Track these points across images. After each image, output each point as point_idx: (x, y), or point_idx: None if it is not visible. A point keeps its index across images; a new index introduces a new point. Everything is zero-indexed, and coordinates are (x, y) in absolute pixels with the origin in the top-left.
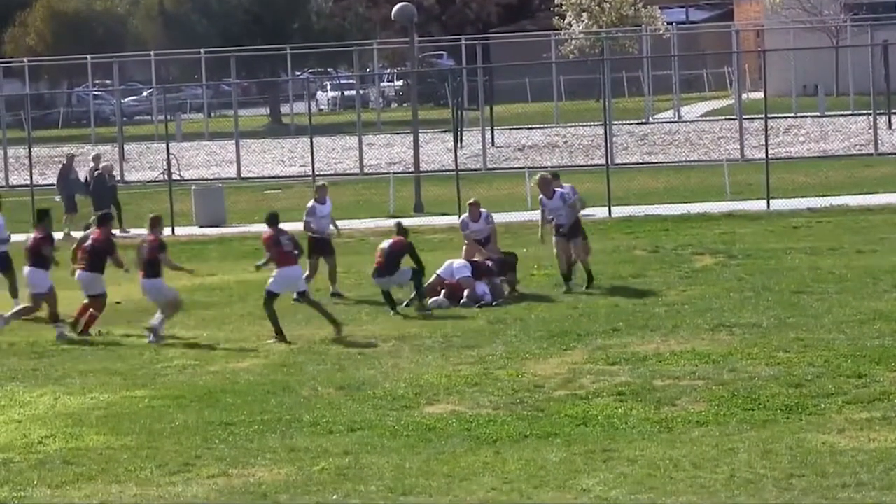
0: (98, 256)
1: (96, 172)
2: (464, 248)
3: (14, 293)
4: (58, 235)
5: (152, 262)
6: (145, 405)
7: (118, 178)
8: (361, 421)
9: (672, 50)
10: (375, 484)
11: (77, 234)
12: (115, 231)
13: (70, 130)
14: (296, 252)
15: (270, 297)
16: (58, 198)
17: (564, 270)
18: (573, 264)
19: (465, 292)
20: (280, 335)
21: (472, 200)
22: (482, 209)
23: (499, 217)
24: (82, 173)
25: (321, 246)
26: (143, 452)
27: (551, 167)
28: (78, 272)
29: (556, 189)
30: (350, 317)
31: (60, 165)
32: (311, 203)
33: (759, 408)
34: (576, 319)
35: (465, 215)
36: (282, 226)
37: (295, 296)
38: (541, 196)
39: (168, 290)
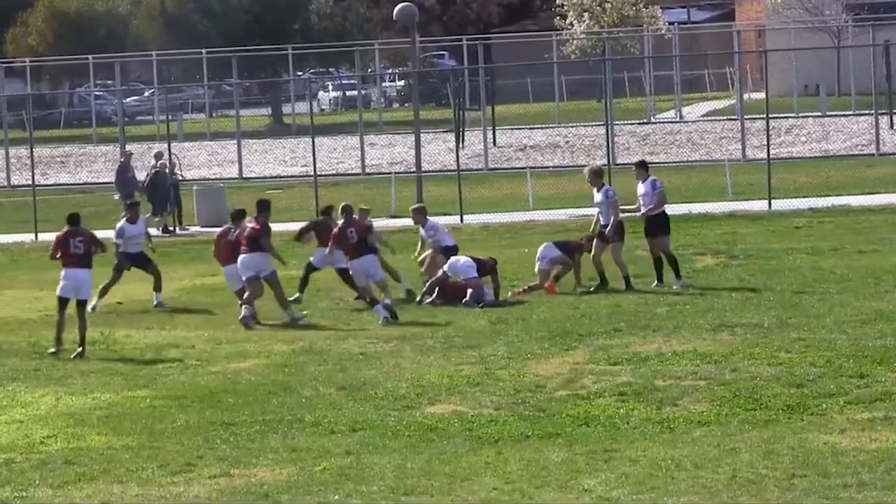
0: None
1: (154, 170)
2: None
3: None
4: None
5: (254, 240)
6: (147, 405)
7: (180, 175)
8: (363, 421)
9: (673, 50)
10: (377, 484)
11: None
12: (169, 228)
13: (72, 131)
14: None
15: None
16: (117, 196)
17: (599, 270)
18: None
19: (469, 292)
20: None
21: (414, 206)
22: (429, 217)
23: (500, 217)
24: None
25: (136, 260)
26: (144, 452)
27: (553, 167)
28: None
29: (602, 184)
30: (352, 317)
31: (118, 164)
32: (120, 223)
33: (760, 408)
34: (577, 320)
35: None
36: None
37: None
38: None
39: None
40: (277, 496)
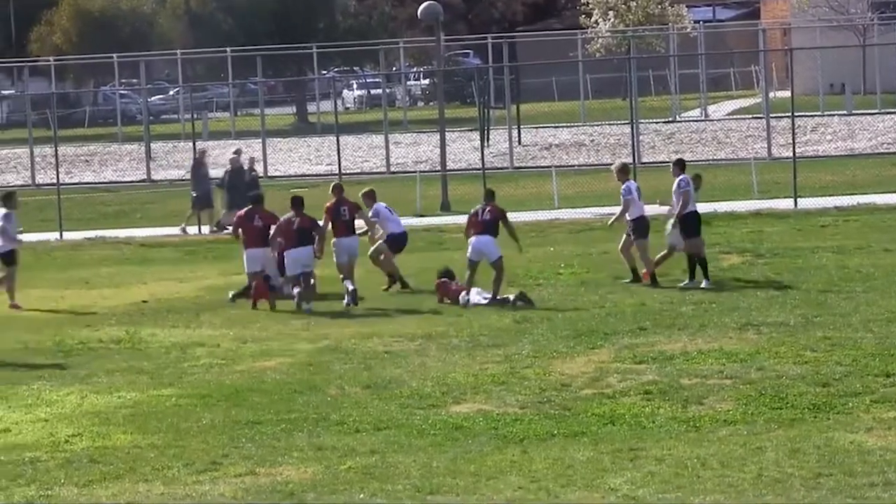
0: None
1: (230, 167)
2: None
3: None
4: (192, 230)
5: (307, 232)
6: (172, 404)
7: (259, 172)
8: (388, 420)
9: (699, 48)
10: (402, 483)
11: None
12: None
13: (96, 129)
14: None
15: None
16: (195, 193)
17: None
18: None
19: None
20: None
21: (363, 191)
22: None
23: (525, 216)
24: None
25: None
26: (170, 451)
27: (578, 166)
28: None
29: (625, 180)
30: (376, 315)
31: (192, 160)
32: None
33: (786, 407)
34: (602, 318)
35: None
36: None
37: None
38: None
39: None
40: (303, 495)
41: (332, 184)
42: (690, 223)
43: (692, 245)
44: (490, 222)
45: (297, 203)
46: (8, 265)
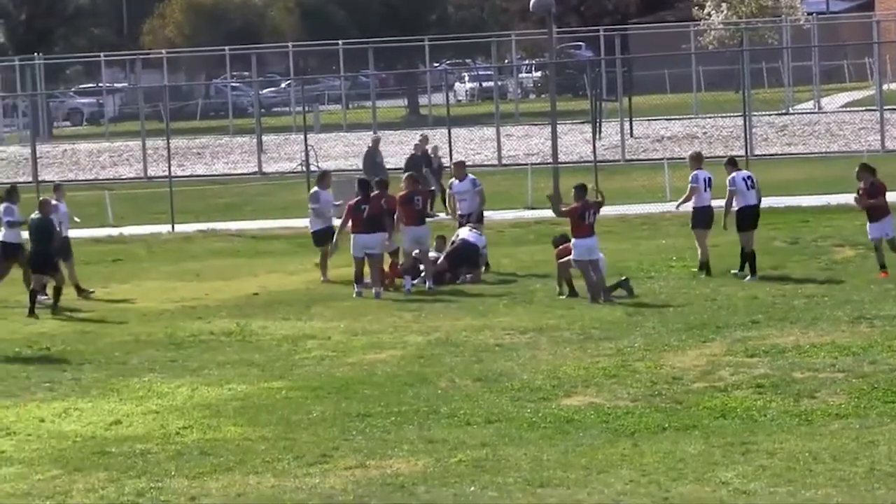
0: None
1: (411, 153)
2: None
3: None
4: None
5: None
6: (282, 396)
7: (444, 162)
8: (499, 413)
9: (812, 40)
10: (513, 476)
11: None
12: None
13: (208, 122)
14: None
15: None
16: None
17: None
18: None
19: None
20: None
21: (457, 160)
22: (469, 174)
23: (637, 208)
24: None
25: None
26: (280, 444)
27: None
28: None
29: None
30: (488, 307)
31: (366, 148)
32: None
33: None
34: (714, 311)
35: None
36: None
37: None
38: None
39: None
40: (413, 487)
41: (407, 174)
42: (740, 217)
43: (742, 238)
44: (594, 224)
45: (370, 187)
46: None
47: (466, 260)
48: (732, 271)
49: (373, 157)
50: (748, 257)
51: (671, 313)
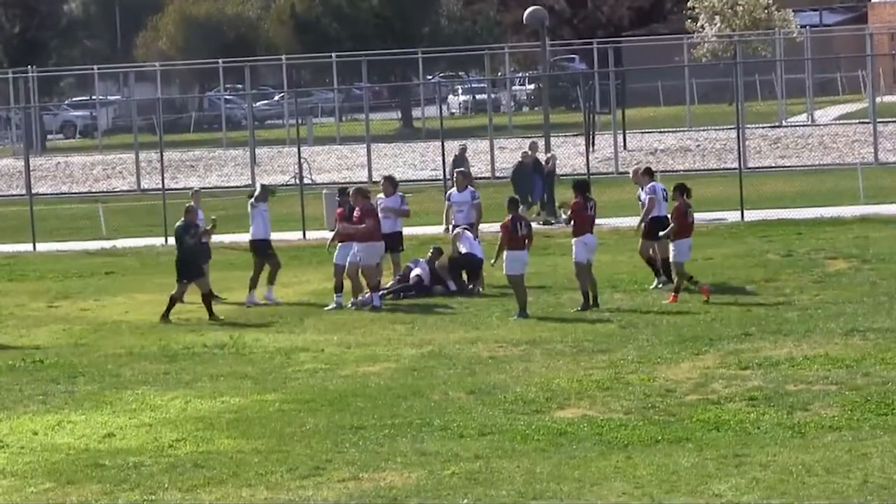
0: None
1: (519, 161)
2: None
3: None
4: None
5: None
6: (276, 409)
7: (555, 168)
8: (492, 425)
9: (805, 53)
10: (506, 488)
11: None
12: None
13: (201, 134)
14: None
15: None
16: None
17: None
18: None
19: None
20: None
21: (460, 169)
22: (470, 186)
23: (630, 221)
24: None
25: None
26: (273, 456)
27: (683, 171)
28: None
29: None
30: (481, 320)
31: (453, 157)
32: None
33: (892, 413)
34: (707, 324)
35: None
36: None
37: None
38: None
39: None
40: (406, 500)
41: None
42: (661, 227)
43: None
44: (526, 237)
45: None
46: None
47: (468, 270)
48: (651, 286)
49: (459, 165)
50: (665, 263)
51: (664, 326)
